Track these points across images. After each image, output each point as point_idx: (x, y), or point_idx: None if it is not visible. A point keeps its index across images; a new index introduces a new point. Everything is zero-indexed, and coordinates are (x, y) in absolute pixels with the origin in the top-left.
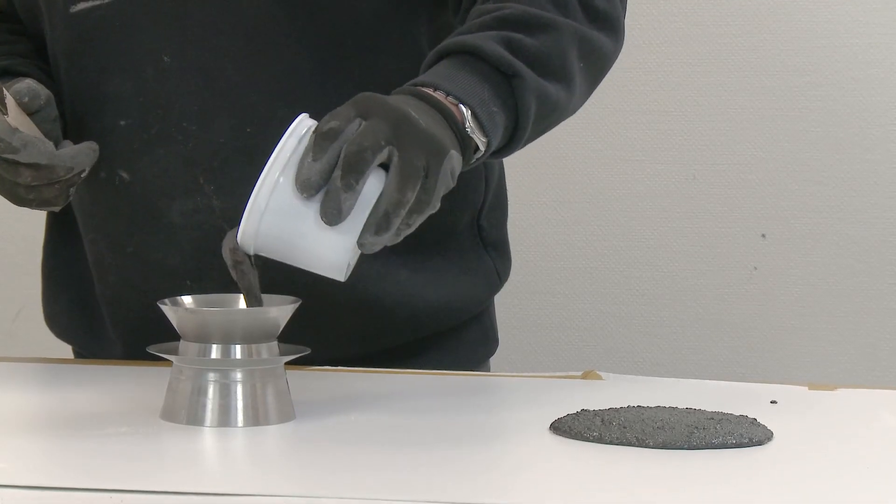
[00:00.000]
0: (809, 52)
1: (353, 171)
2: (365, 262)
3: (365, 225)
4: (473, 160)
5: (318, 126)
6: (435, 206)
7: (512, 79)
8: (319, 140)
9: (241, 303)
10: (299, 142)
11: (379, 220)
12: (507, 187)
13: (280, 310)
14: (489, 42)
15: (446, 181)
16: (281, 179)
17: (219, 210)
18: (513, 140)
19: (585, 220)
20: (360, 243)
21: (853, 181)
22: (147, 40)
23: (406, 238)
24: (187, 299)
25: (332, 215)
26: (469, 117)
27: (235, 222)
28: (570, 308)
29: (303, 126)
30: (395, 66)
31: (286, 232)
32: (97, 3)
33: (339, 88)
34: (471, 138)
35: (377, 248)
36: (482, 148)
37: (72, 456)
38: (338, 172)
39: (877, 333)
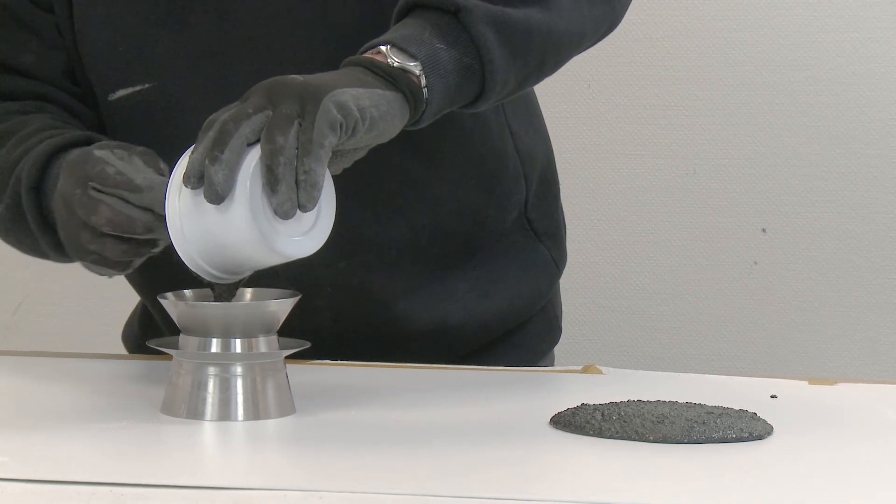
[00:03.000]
0: (809, 47)
1: (216, 144)
2: (423, 284)
3: (253, 189)
4: (426, 94)
5: None
6: (321, 144)
7: (458, 14)
8: (199, 134)
9: (243, 297)
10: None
11: (266, 177)
12: None
13: (279, 303)
14: None
15: (328, 117)
16: (182, 193)
17: (282, 273)
18: (487, 77)
19: (585, 215)
20: (273, 210)
21: (853, 176)
22: (190, 120)
23: (459, 247)
24: (188, 293)
25: (207, 192)
26: (391, 52)
27: (301, 284)
28: (570, 302)
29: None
30: None
31: (208, 237)
32: (136, 88)
33: None
34: (401, 70)
35: (288, 207)
36: (420, 76)
37: (71, 450)
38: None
39: (877, 328)
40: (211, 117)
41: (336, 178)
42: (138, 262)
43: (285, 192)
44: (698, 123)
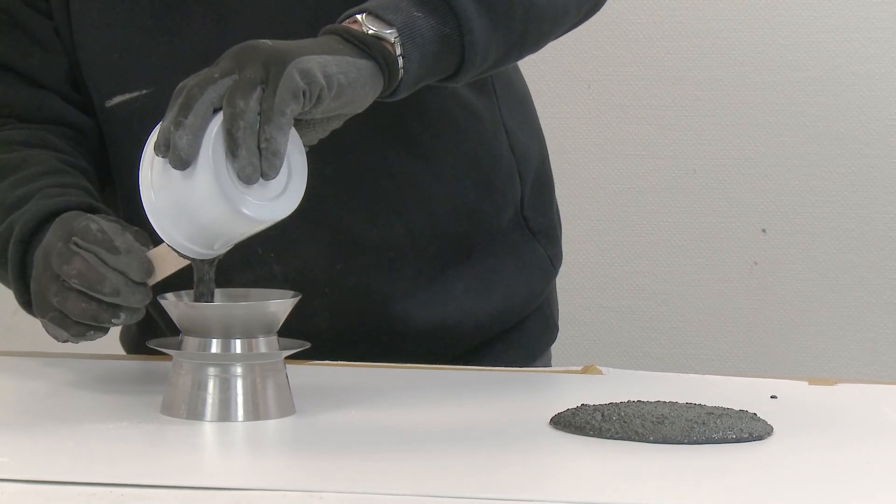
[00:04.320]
0: (809, 47)
1: (181, 109)
2: (421, 284)
3: (215, 154)
4: (402, 62)
5: None
6: (282, 112)
7: None
8: (171, 101)
9: (244, 297)
10: None
11: (225, 141)
12: None
13: (279, 304)
14: None
15: (290, 84)
16: (154, 165)
17: (280, 275)
18: (467, 48)
19: (585, 215)
20: (236, 174)
21: (853, 176)
22: None
23: (455, 247)
24: (188, 293)
25: (174, 157)
26: (365, 20)
27: (298, 285)
28: (570, 302)
29: None
30: None
31: (179, 206)
32: (133, 95)
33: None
34: (374, 38)
35: (249, 172)
36: (395, 43)
37: (72, 450)
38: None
39: (877, 328)
40: (180, 84)
41: (332, 181)
42: (93, 335)
43: (246, 157)
44: (698, 123)
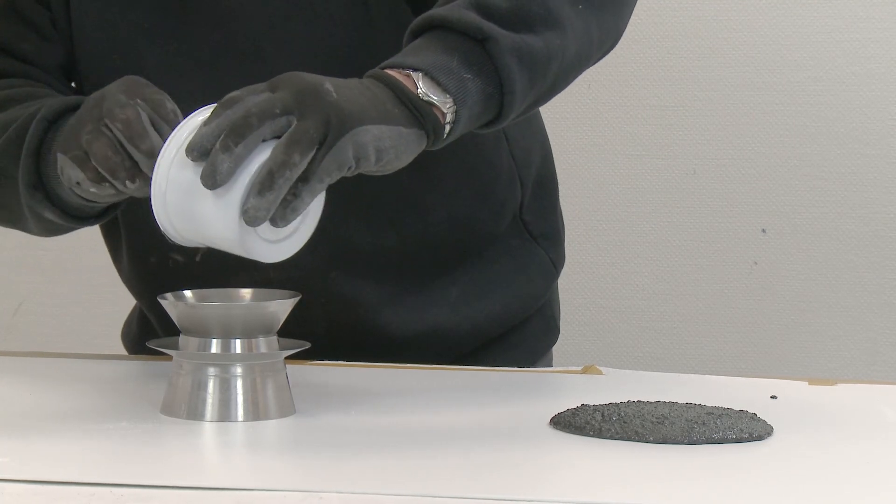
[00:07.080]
0: (809, 48)
1: (233, 134)
2: (414, 290)
3: (250, 186)
4: (449, 129)
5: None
6: (322, 179)
7: (484, 43)
8: (217, 108)
9: (243, 297)
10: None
11: (262, 179)
12: None
13: (279, 304)
14: (457, 10)
15: (342, 156)
16: (178, 156)
17: (276, 282)
18: (506, 105)
19: (586, 215)
20: (243, 209)
21: (853, 176)
22: None
23: (450, 253)
24: (188, 294)
25: (207, 176)
26: (421, 82)
27: (295, 291)
28: (570, 302)
29: (209, 109)
30: None
31: (187, 207)
32: None
33: None
34: (428, 104)
35: (261, 215)
36: (448, 111)
37: (71, 450)
38: (220, 135)
39: (877, 328)
40: (234, 95)
41: (329, 189)
42: (105, 187)
43: (268, 202)
44: (698, 123)
